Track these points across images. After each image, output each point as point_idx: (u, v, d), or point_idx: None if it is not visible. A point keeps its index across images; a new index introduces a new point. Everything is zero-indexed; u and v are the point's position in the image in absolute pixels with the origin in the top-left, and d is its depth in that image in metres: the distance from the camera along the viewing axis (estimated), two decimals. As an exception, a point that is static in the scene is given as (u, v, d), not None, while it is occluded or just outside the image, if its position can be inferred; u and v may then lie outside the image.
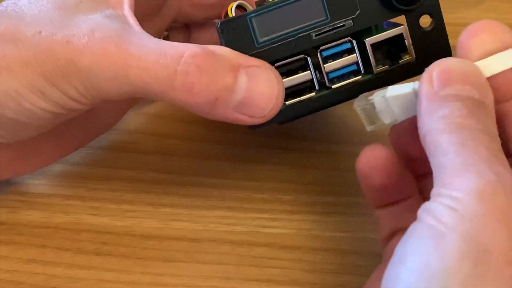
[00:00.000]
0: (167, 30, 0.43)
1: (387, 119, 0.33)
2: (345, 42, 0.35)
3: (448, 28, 0.54)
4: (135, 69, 0.33)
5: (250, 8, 0.36)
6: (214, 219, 0.40)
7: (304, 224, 0.40)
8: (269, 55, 0.35)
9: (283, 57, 0.35)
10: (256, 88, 0.34)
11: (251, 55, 0.34)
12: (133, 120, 0.45)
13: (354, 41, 0.35)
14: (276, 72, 0.35)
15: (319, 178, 0.42)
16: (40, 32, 0.35)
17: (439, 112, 0.29)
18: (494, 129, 0.30)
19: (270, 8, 0.34)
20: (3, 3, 0.37)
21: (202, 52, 0.33)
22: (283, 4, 0.34)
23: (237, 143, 0.44)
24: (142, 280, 0.37)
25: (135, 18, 0.35)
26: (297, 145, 0.44)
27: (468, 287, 0.26)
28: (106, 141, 0.43)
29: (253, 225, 0.40)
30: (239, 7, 0.36)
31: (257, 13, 0.34)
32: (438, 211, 0.27)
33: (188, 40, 0.44)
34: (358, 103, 0.33)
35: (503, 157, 0.29)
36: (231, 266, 0.38)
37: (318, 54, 0.35)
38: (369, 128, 0.34)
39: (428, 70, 0.30)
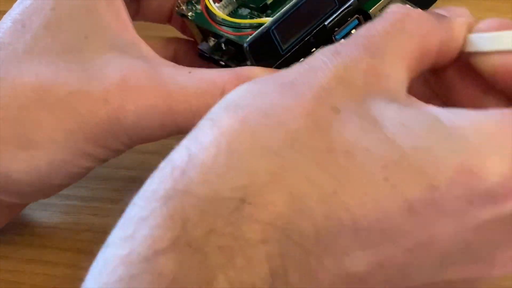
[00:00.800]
0: None
1: None
2: (354, 20, 0.36)
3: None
4: (182, 115, 0.33)
5: None
6: (214, 219, 0.40)
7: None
8: (294, 57, 0.36)
9: (305, 54, 0.36)
10: None
11: (280, 63, 0.35)
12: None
13: (361, 16, 0.37)
14: None
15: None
16: (71, 92, 0.33)
17: None
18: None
19: (287, 14, 0.35)
20: None
21: (240, 83, 0.32)
22: (298, 5, 0.35)
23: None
24: (142, 280, 0.37)
25: (141, 39, 0.35)
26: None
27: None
28: (106, 141, 0.43)
29: (253, 225, 0.40)
30: None
31: (276, 23, 0.35)
32: None
33: (137, 9, 0.41)
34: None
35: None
36: (231, 266, 0.38)
37: (333, 38, 0.36)
38: None
39: None
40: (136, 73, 0.33)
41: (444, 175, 0.25)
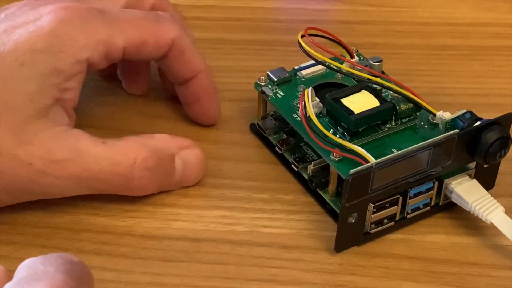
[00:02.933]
0: None
1: None
2: (430, 182, 0.39)
3: (448, 28, 0.54)
4: (96, 182, 0.39)
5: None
6: (214, 219, 0.40)
7: (304, 224, 0.40)
8: (374, 198, 0.37)
9: (384, 198, 0.38)
10: (189, 167, 0.41)
11: (362, 200, 0.37)
12: (133, 121, 0.45)
13: (437, 182, 0.39)
14: (199, 149, 0.41)
15: (319, 178, 0.42)
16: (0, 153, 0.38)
17: None
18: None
19: (391, 162, 0.36)
20: None
21: (149, 154, 0.39)
22: (402, 158, 0.37)
23: (237, 143, 0.44)
24: (142, 280, 0.37)
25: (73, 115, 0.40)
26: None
27: None
28: (106, 141, 0.43)
29: (253, 225, 0.40)
30: None
31: (380, 167, 0.36)
32: None
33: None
34: None
35: None
36: (231, 266, 0.38)
37: (408, 191, 0.38)
38: None
39: None
40: (60, 148, 0.38)
41: None
